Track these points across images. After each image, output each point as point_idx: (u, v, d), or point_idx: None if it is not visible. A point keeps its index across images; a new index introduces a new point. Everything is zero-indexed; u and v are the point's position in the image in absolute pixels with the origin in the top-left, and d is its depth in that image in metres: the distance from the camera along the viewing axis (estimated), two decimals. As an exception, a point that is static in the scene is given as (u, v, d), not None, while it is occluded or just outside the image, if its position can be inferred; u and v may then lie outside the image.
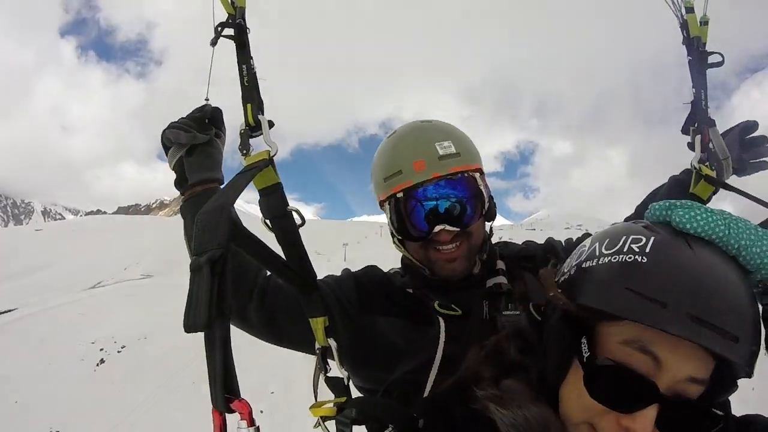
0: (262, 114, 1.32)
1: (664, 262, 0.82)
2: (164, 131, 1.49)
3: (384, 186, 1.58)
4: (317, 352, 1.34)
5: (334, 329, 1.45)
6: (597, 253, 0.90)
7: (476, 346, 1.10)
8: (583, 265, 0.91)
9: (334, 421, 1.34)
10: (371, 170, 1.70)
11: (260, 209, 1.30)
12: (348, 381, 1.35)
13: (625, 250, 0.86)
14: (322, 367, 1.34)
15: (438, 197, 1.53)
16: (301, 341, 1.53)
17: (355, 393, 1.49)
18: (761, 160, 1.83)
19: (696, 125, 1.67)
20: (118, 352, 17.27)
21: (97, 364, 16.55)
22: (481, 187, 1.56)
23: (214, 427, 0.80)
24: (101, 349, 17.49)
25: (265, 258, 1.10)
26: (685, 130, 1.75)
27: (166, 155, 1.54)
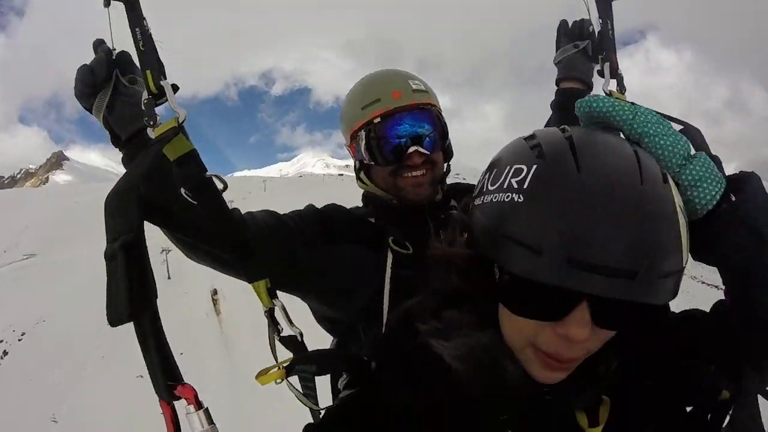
0: (165, 78, 1.20)
1: (540, 199, 0.75)
2: (77, 98, 1.40)
3: (360, 114, 1.67)
4: (265, 314, 1.31)
5: (288, 275, 1.54)
6: (484, 190, 0.86)
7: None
8: (475, 202, 0.89)
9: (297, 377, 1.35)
10: (343, 109, 1.80)
11: (175, 181, 1.19)
12: (301, 337, 1.34)
13: (505, 186, 0.80)
14: (274, 328, 1.31)
15: (412, 123, 1.64)
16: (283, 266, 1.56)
17: (311, 346, 1.41)
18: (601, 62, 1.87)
19: (604, 53, 1.75)
20: (19, 340, 16.56)
21: (1, 357, 15.87)
22: (443, 123, 1.72)
23: (165, 421, 0.79)
24: (1, 341, 16.69)
25: (192, 230, 1.08)
26: (593, 59, 1.88)
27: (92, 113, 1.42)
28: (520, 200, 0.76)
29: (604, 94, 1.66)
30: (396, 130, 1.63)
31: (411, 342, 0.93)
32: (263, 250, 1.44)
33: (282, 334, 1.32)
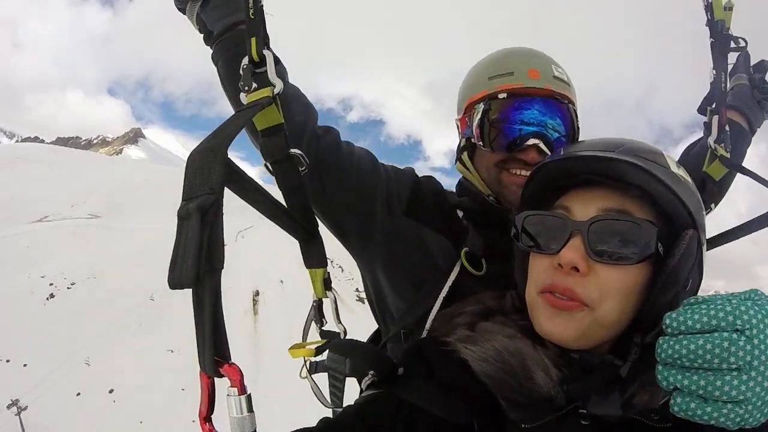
0: (268, 49, 1.19)
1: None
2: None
3: (486, 83, 1.46)
4: (313, 303, 1.29)
5: (364, 231, 1.49)
6: None
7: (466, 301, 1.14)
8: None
9: (326, 374, 1.33)
10: (466, 77, 1.59)
11: (261, 151, 1.20)
12: (344, 336, 1.29)
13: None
14: (318, 320, 1.29)
15: (542, 112, 1.39)
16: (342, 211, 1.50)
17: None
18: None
19: (714, 105, 1.64)
20: (68, 288, 17.67)
21: (47, 299, 16.73)
22: (577, 125, 1.47)
23: (201, 391, 0.77)
24: (51, 284, 17.70)
25: (263, 204, 1.05)
26: (701, 110, 1.74)
27: (185, 13, 1.43)
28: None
29: (710, 148, 1.63)
30: (521, 114, 1.39)
31: (439, 350, 0.97)
32: (346, 187, 1.44)
33: (324, 328, 1.31)
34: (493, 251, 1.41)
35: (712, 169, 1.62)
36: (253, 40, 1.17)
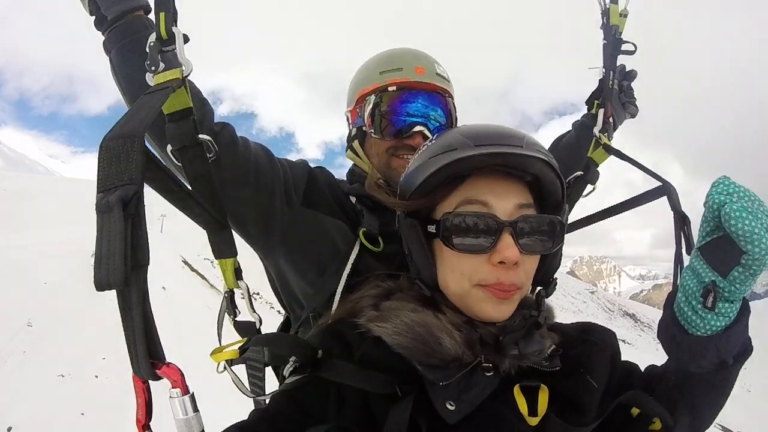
0: (176, 26, 1.13)
1: (446, 134, 1.09)
2: None
3: (377, 77, 1.60)
4: (225, 295, 1.28)
5: (264, 223, 1.48)
6: (409, 164, 1.14)
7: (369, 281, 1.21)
8: (401, 179, 1.15)
9: (244, 365, 1.33)
10: (356, 72, 1.72)
11: (167, 137, 1.14)
12: (260, 325, 1.32)
13: (421, 149, 1.13)
14: (231, 310, 1.28)
15: (425, 104, 1.57)
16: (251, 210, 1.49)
17: (272, 326, 1.36)
18: (631, 109, 2.03)
19: (601, 100, 1.83)
20: None
21: None
22: (455, 116, 1.66)
23: (137, 397, 0.73)
24: None
25: (177, 194, 1.00)
26: (589, 102, 1.94)
27: None
28: (430, 143, 1.10)
29: (594, 137, 1.79)
30: (408, 106, 1.56)
31: (353, 331, 1.03)
32: (244, 183, 1.42)
33: (237, 319, 1.30)
34: (387, 231, 1.49)
35: (596, 155, 1.76)
36: (162, 15, 1.12)
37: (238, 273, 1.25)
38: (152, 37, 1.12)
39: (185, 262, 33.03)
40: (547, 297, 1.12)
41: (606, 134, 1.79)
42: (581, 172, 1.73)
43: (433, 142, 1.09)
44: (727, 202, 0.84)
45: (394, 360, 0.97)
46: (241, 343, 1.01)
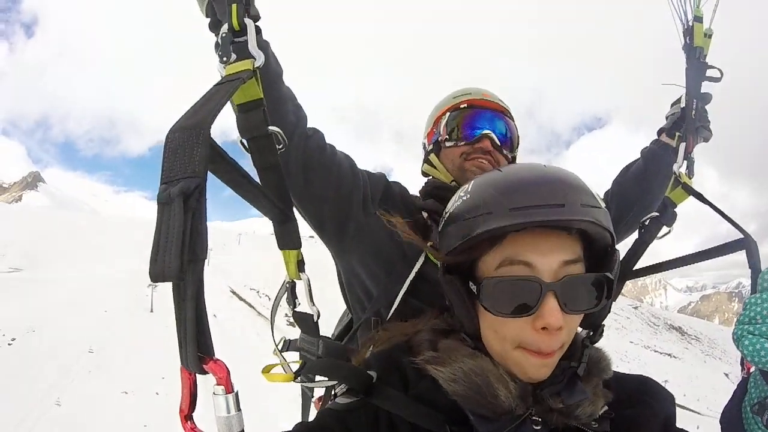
0: (249, 17, 1.13)
1: (480, 188, 0.99)
2: None
3: (450, 101, 1.81)
4: (286, 285, 1.28)
5: (341, 224, 1.60)
6: (445, 214, 1.08)
7: (429, 311, 1.21)
8: (441, 228, 1.08)
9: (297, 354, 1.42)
10: (436, 105, 1.88)
11: (238, 127, 1.14)
12: (317, 318, 1.31)
13: (457, 199, 1.04)
14: (291, 301, 1.28)
15: (491, 119, 1.74)
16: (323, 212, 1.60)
17: (323, 330, 1.40)
18: (705, 133, 1.85)
19: (682, 132, 1.68)
20: (9, 344, 17.04)
21: None
22: (518, 135, 1.81)
23: (183, 388, 0.73)
24: None
25: (243, 186, 0.99)
26: (670, 135, 1.79)
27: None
28: (467, 197, 1.00)
29: (674, 174, 1.64)
30: (477, 120, 1.72)
31: (411, 365, 1.01)
32: (327, 186, 1.54)
33: (296, 309, 1.29)
34: None
35: (674, 195, 1.63)
36: (234, 6, 1.11)
37: (300, 265, 1.23)
38: (224, 28, 1.12)
39: (233, 292, 34.40)
40: (592, 344, 1.06)
41: (687, 172, 1.67)
42: (657, 213, 1.61)
43: (469, 193, 1.01)
44: (740, 335, 0.84)
45: (448, 402, 0.96)
46: (296, 366, 1.00)
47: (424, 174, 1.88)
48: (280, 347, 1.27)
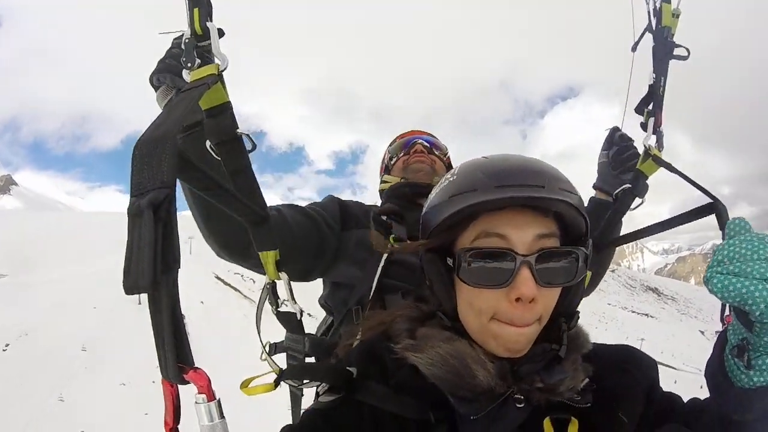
0: (211, 20, 1.10)
1: (466, 171, 1.01)
2: (158, 74, 1.34)
3: (398, 149, 2.15)
4: (267, 286, 1.26)
5: (318, 264, 1.74)
6: (429, 198, 1.10)
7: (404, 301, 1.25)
8: (423, 212, 1.10)
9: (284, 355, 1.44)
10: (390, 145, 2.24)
11: (206, 132, 1.10)
12: (300, 315, 1.32)
13: (443, 183, 1.05)
14: (273, 301, 1.27)
15: (419, 136, 2.17)
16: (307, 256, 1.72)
17: (308, 327, 1.42)
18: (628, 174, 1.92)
19: (651, 107, 1.72)
20: (3, 350, 17.32)
21: None
22: (442, 145, 2.19)
23: (165, 400, 0.73)
24: None
25: (214, 191, 0.97)
26: (639, 110, 1.79)
27: (155, 92, 1.39)
28: (453, 178, 1.02)
29: (644, 147, 1.71)
30: (409, 139, 2.15)
31: (390, 355, 1.02)
32: (296, 246, 1.62)
33: (280, 309, 1.29)
34: (414, 237, 1.47)
35: (645, 167, 1.71)
36: (196, 11, 1.09)
37: (279, 264, 1.22)
38: (187, 33, 1.11)
39: (218, 278, 34.85)
40: (569, 330, 1.05)
41: (656, 145, 1.73)
42: (629, 185, 1.72)
43: (455, 177, 1.03)
44: (710, 275, 0.84)
45: (428, 388, 0.96)
46: (276, 373, 0.99)
47: (382, 192, 2.12)
48: (267, 351, 1.28)
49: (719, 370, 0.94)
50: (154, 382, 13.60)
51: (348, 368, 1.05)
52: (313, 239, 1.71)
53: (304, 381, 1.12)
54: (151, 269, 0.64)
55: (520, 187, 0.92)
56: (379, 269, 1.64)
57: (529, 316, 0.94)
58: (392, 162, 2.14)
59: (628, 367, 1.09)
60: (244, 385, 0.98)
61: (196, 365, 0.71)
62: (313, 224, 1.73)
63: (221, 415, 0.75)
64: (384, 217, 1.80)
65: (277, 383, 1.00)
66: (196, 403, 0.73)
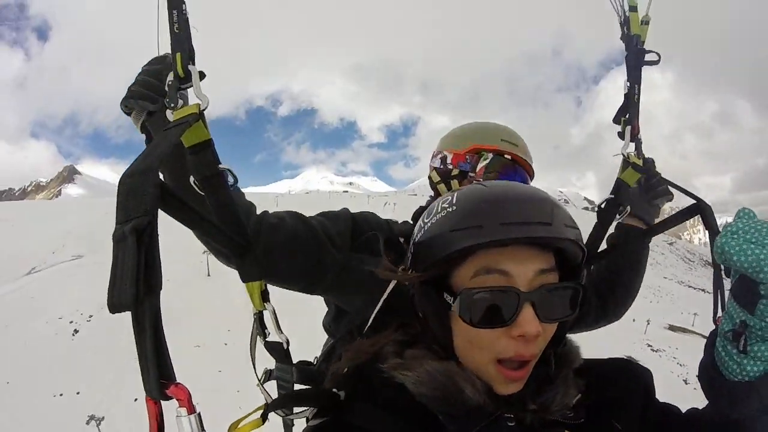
0: (193, 64, 1.15)
1: (469, 201, 0.96)
2: (127, 99, 1.37)
3: (497, 141, 1.90)
4: (254, 317, 1.27)
5: (320, 281, 1.64)
6: (422, 225, 1.03)
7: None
8: (416, 240, 1.04)
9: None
10: (474, 127, 1.99)
11: (189, 168, 1.15)
12: (287, 345, 1.30)
13: (439, 210, 0.99)
14: (260, 331, 1.27)
15: (522, 180, 1.90)
16: (301, 277, 1.64)
17: (296, 357, 1.41)
18: (661, 199, 1.94)
19: (627, 116, 1.73)
20: (88, 321, 18.34)
21: (73, 335, 17.66)
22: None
23: (149, 418, 0.75)
24: (71, 322, 18.18)
25: (197, 223, 0.99)
26: (616, 120, 1.79)
27: (129, 116, 1.42)
28: (454, 209, 0.96)
29: (623, 156, 1.72)
30: (513, 176, 1.87)
31: (377, 375, 1.00)
32: (291, 255, 1.58)
33: (268, 339, 1.29)
34: None
35: (625, 176, 1.70)
36: (178, 55, 1.14)
37: (265, 295, 1.23)
38: (170, 76, 1.16)
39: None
40: (558, 354, 1.05)
41: (635, 152, 1.75)
42: (612, 196, 1.71)
43: (454, 208, 0.98)
44: (725, 241, 0.84)
45: (417, 407, 0.95)
46: (261, 411, 0.98)
47: (433, 184, 2.00)
48: (262, 380, 1.28)
49: (711, 366, 0.95)
50: (226, 344, 15.30)
51: (336, 391, 1.05)
52: (311, 247, 1.64)
53: (294, 411, 1.15)
54: (134, 289, 0.68)
55: (528, 225, 0.90)
56: (385, 295, 1.48)
57: (533, 348, 0.94)
58: (458, 167, 1.91)
59: (623, 379, 1.09)
60: (233, 427, 0.94)
61: (177, 381, 0.73)
62: (310, 232, 1.66)
63: (202, 428, 0.76)
64: (402, 239, 1.77)
65: (264, 417, 0.98)
66: (177, 416, 0.75)
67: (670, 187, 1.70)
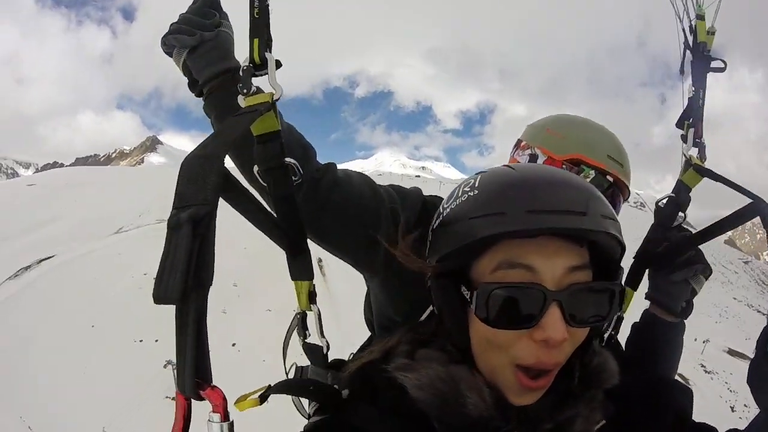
0: (270, 52, 1.12)
1: (491, 185, 0.86)
2: (165, 36, 1.32)
3: (603, 158, 1.68)
4: (297, 316, 1.24)
5: (370, 255, 1.49)
6: (441, 211, 0.94)
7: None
8: (434, 227, 0.95)
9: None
10: (581, 130, 1.74)
11: (255, 157, 1.13)
12: (327, 350, 1.25)
13: (459, 194, 0.90)
14: (302, 332, 1.24)
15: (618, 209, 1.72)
16: (347, 249, 1.53)
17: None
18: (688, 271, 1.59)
19: (691, 120, 1.71)
20: None
21: None
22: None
23: (176, 412, 0.71)
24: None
25: (256, 215, 1.00)
26: (679, 124, 1.76)
27: (171, 56, 1.37)
28: (475, 193, 0.87)
29: (685, 158, 1.66)
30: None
31: (382, 375, 0.94)
32: (348, 221, 1.45)
33: (307, 341, 1.25)
34: None
35: (687, 178, 1.63)
36: (256, 41, 1.11)
37: (312, 296, 1.19)
38: (245, 61, 1.13)
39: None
40: (589, 362, 0.94)
41: (698, 155, 1.69)
42: (673, 194, 1.63)
43: (476, 191, 0.88)
44: None
45: (416, 413, 0.89)
46: (262, 391, 0.94)
47: None
48: (291, 375, 1.26)
49: (764, 359, 0.91)
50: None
51: (339, 389, 1.02)
52: (371, 219, 1.48)
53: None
54: (182, 283, 0.65)
55: (558, 214, 0.79)
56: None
57: (557, 355, 0.84)
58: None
59: (656, 398, 1.03)
60: (239, 401, 0.91)
61: (214, 383, 0.69)
62: (375, 202, 1.51)
63: None
64: None
65: (263, 399, 0.93)
66: (209, 420, 0.71)
67: (727, 187, 1.51)
